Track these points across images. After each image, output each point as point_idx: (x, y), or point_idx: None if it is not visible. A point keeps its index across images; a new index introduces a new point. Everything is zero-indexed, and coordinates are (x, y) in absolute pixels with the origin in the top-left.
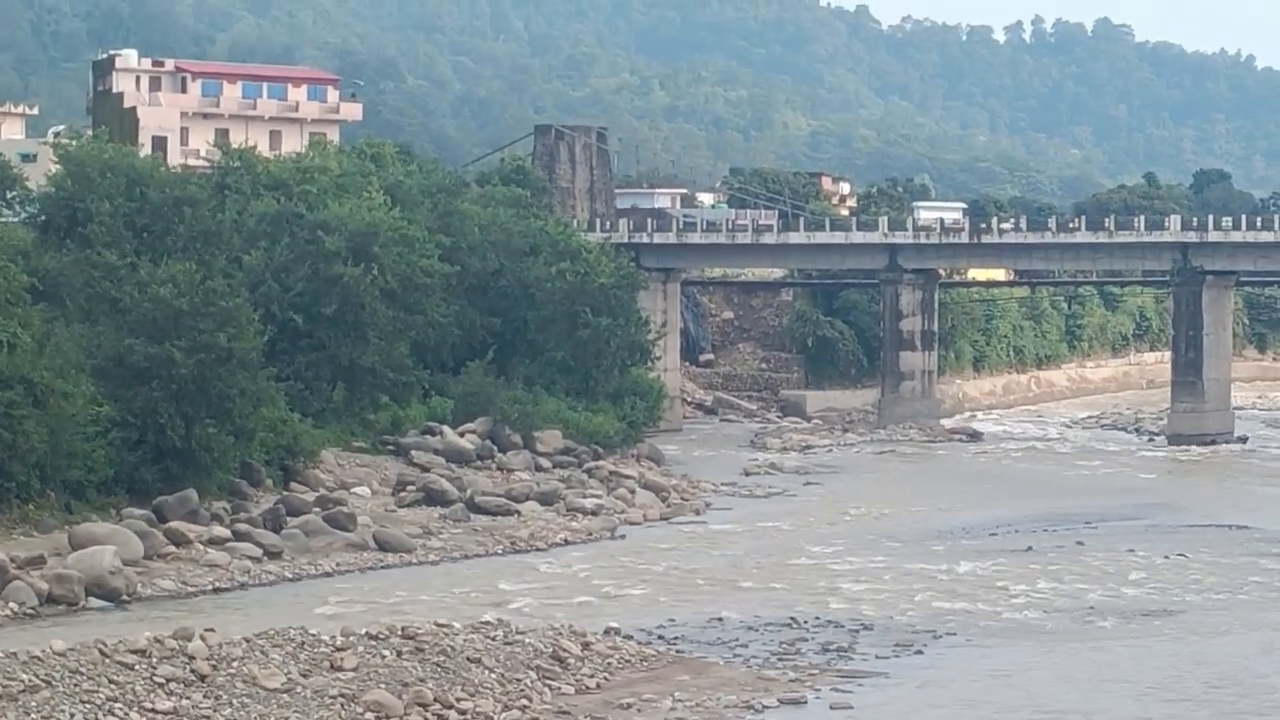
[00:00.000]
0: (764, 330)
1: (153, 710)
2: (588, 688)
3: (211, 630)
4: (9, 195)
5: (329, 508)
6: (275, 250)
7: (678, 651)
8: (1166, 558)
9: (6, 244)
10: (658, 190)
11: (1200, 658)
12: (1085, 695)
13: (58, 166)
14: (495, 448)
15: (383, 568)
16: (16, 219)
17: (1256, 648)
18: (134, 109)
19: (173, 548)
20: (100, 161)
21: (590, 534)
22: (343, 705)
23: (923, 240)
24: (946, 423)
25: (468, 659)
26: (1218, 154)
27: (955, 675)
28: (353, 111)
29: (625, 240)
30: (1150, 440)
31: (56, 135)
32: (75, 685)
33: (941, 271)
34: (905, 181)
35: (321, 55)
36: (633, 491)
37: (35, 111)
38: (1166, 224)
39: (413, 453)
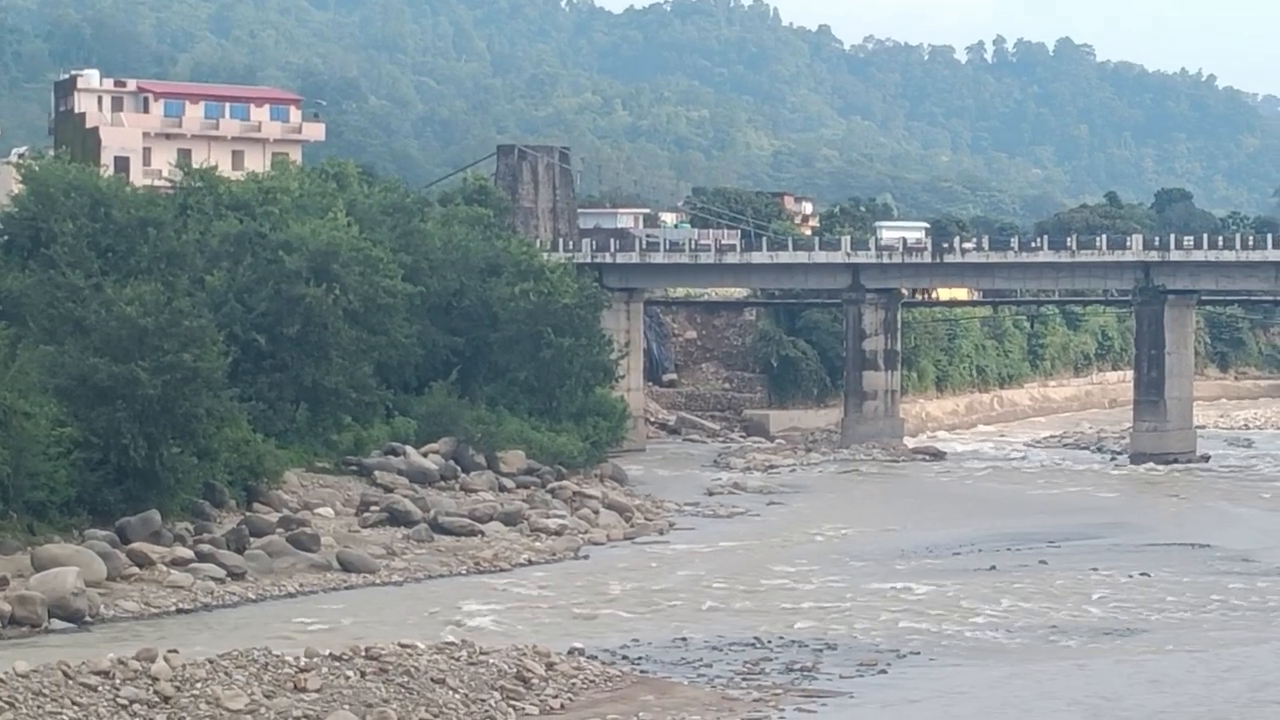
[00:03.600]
0: (727, 350)
1: None
2: (552, 708)
3: (175, 651)
4: None
5: (292, 528)
6: (238, 271)
7: (642, 672)
8: (1129, 577)
9: None
10: (620, 210)
11: (1163, 677)
12: (1048, 714)
13: (20, 186)
14: (459, 468)
15: (346, 588)
16: None
17: (1220, 666)
18: (96, 129)
19: (136, 569)
20: (64, 182)
21: (554, 554)
22: None
23: (885, 260)
24: (910, 442)
25: (432, 680)
26: (1179, 173)
27: (919, 695)
28: (315, 131)
29: (588, 260)
30: (1113, 459)
31: (20, 156)
32: (39, 707)
33: (904, 291)
34: (868, 201)
35: (284, 75)
36: (596, 512)
37: None
38: (1128, 243)
39: (376, 473)
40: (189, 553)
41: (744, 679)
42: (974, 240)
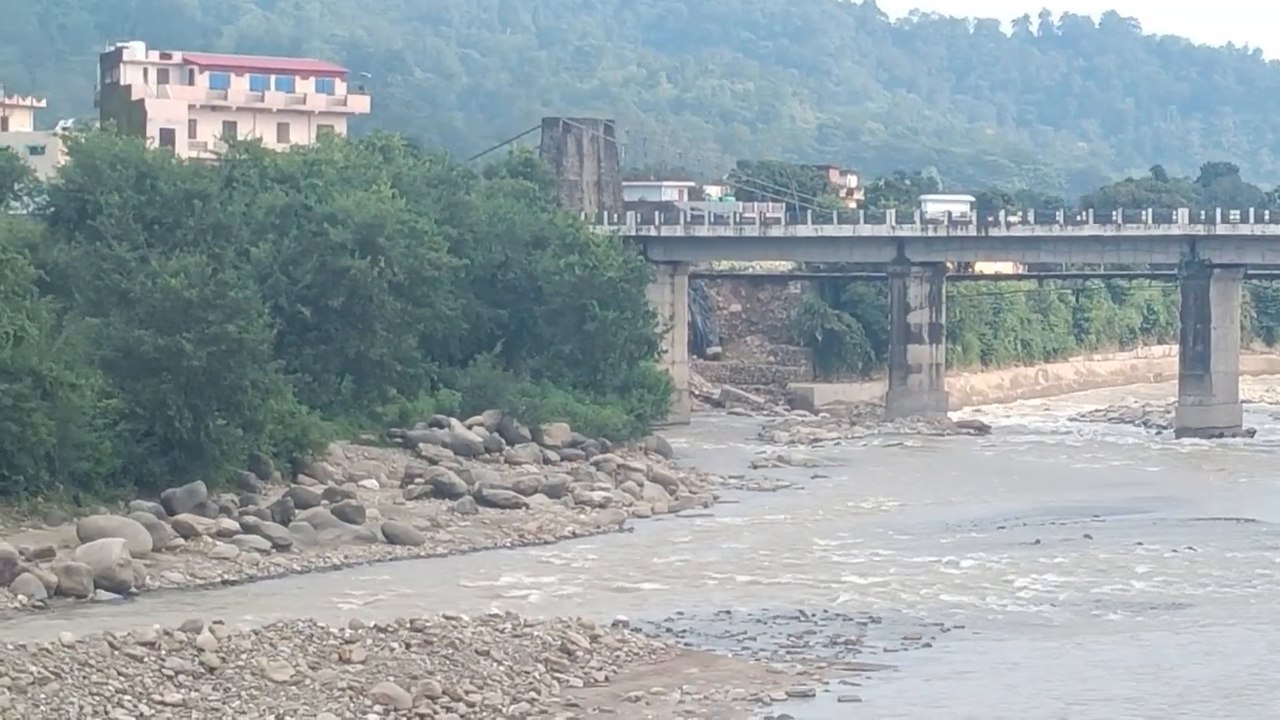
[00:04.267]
0: (771, 323)
1: (162, 702)
2: (596, 680)
3: (220, 623)
4: (17, 187)
5: (337, 500)
6: (283, 243)
7: (686, 644)
8: (1174, 551)
9: (15, 236)
10: (665, 183)
11: (1207, 651)
12: (1092, 688)
13: (66, 159)
14: (503, 440)
15: (391, 560)
16: (25, 211)
17: (1264, 641)
18: (142, 101)
19: (181, 540)
20: (110, 154)
21: (598, 527)
22: (351, 698)
23: (930, 233)
24: (954, 416)
25: (476, 652)
26: (1225, 147)
27: (963, 668)
28: (360, 104)
29: (633, 233)
30: (1158, 433)
31: (65, 128)
32: (84, 677)
33: (949, 264)
34: (912, 174)
35: (329, 48)
36: (640, 484)
37: (43, 104)
38: (1174, 217)
39: (421, 445)
40: (234, 524)
41: (788, 652)
42: (1019, 214)
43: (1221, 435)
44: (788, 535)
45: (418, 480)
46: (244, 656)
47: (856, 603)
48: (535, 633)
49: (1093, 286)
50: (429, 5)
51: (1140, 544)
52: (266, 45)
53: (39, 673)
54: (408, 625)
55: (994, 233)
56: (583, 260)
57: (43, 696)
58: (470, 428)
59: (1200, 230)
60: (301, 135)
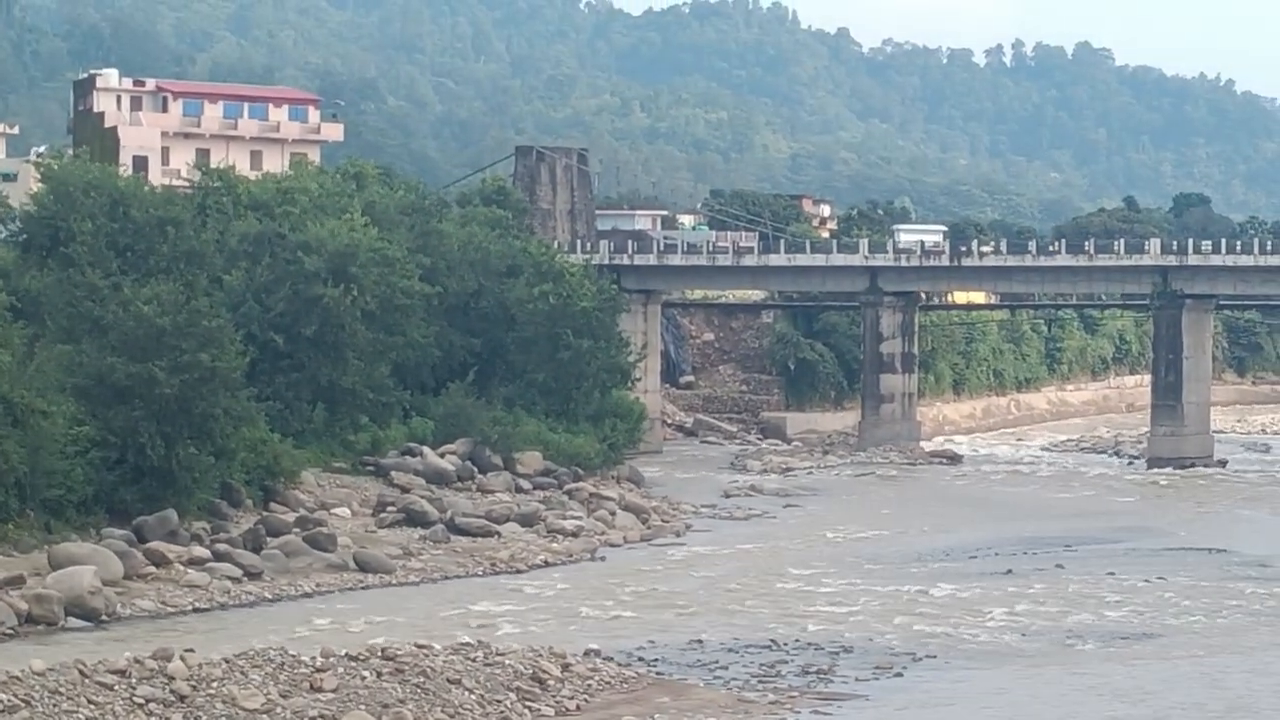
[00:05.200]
0: (744, 352)
1: None
2: (568, 709)
3: (191, 651)
4: None
5: (309, 528)
6: (256, 271)
7: (658, 673)
8: (1146, 581)
9: None
10: (638, 212)
11: (1179, 680)
12: (1065, 718)
13: (39, 186)
14: (475, 469)
15: (363, 589)
16: None
17: (1235, 671)
18: (115, 129)
19: (152, 568)
20: (83, 181)
21: (570, 555)
22: None
23: (903, 263)
24: (926, 445)
25: (448, 680)
26: (1197, 178)
27: (935, 698)
28: (334, 132)
29: (606, 262)
30: (1130, 463)
31: (38, 155)
32: (55, 706)
33: (922, 294)
34: (885, 204)
35: (302, 76)
36: (613, 513)
37: (15, 131)
38: (1146, 247)
39: (393, 473)
40: (205, 552)
41: (760, 681)
42: (992, 244)
43: (1193, 465)
44: (760, 564)
45: (390, 508)
46: (215, 685)
47: (828, 632)
48: (507, 661)
49: (1065, 316)
50: (403, 34)
51: (1112, 574)
52: (240, 73)
53: (9, 701)
54: (379, 654)
55: (967, 263)
56: (556, 289)
57: None
58: (442, 456)
59: (1172, 261)
60: (275, 163)
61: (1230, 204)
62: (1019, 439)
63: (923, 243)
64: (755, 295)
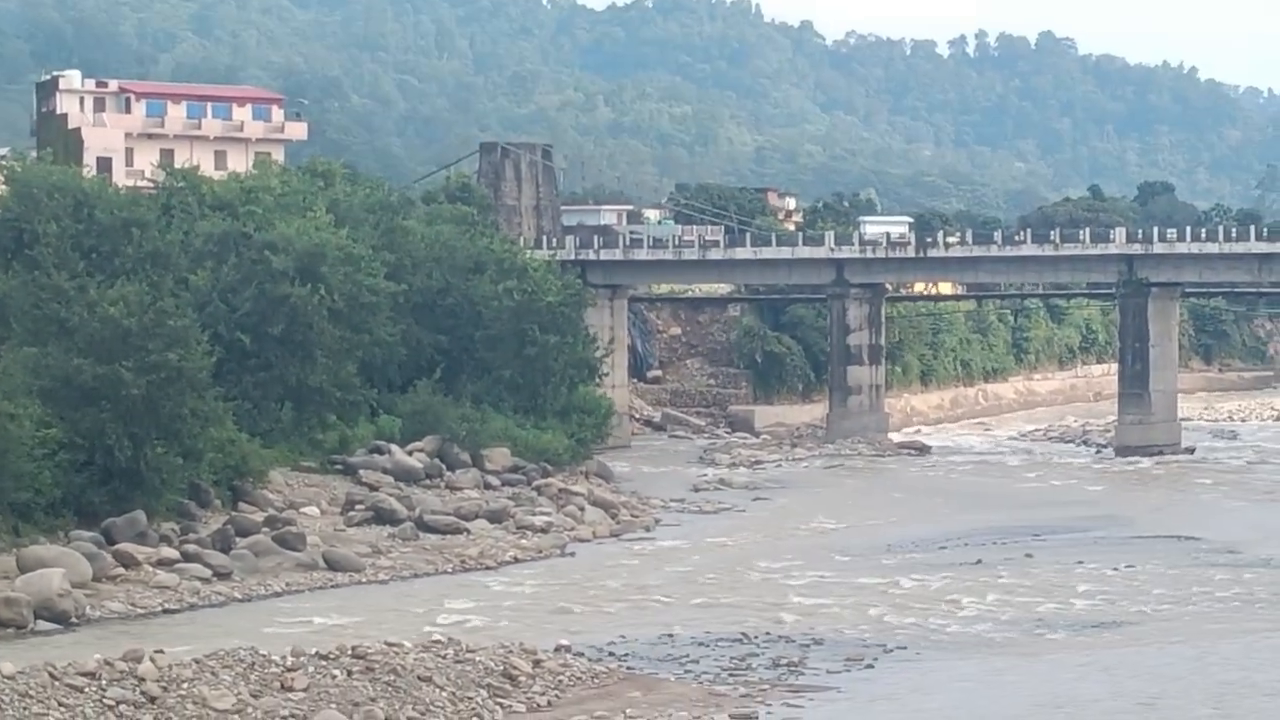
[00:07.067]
0: (711, 346)
1: None
2: (539, 705)
3: (161, 652)
4: None
5: (278, 528)
6: (222, 271)
7: (629, 668)
8: (1115, 569)
9: None
10: (603, 207)
11: (1149, 668)
12: (1036, 707)
13: (3, 188)
14: (444, 466)
15: (332, 587)
16: None
17: (1205, 658)
18: (78, 130)
19: (121, 569)
20: (47, 183)
21: (540, 552)
22: None
23: (869, 255)
24: (895, 437)
25: (418, 678)
26: (1161, 166)
27: (906, 689)
28: (298, 131)
29: (571, 257)
30: (1098, 452)
31: (2, 157)
32: (24, 709)
33: (888, 286)
34: (851, 196)
35: (265, 75)
36: (582, 509)
37: None
38: (1111, 236)
39: (361, 472)
40: (175, 553)
41: (731, 675)
42: (957, 234)
43: (1161, 453)
44: (730, 558)
45: (358, 507)
46: (185, 686)
47: (799, 624)
48: (477, 658)
49: (1031, 306)
50: (366, 32)
51: (1081, 563)
52: (203, 73)
53: None
54: (349, 652)
55: (932, 254)
56: (521, 285)
57: None
58: (411, 454)
59: (1138, 249)
60: (239, 162)
61: (1195, 192)
62: (987, 429)
63: (888, 234)
64: (722, 289)
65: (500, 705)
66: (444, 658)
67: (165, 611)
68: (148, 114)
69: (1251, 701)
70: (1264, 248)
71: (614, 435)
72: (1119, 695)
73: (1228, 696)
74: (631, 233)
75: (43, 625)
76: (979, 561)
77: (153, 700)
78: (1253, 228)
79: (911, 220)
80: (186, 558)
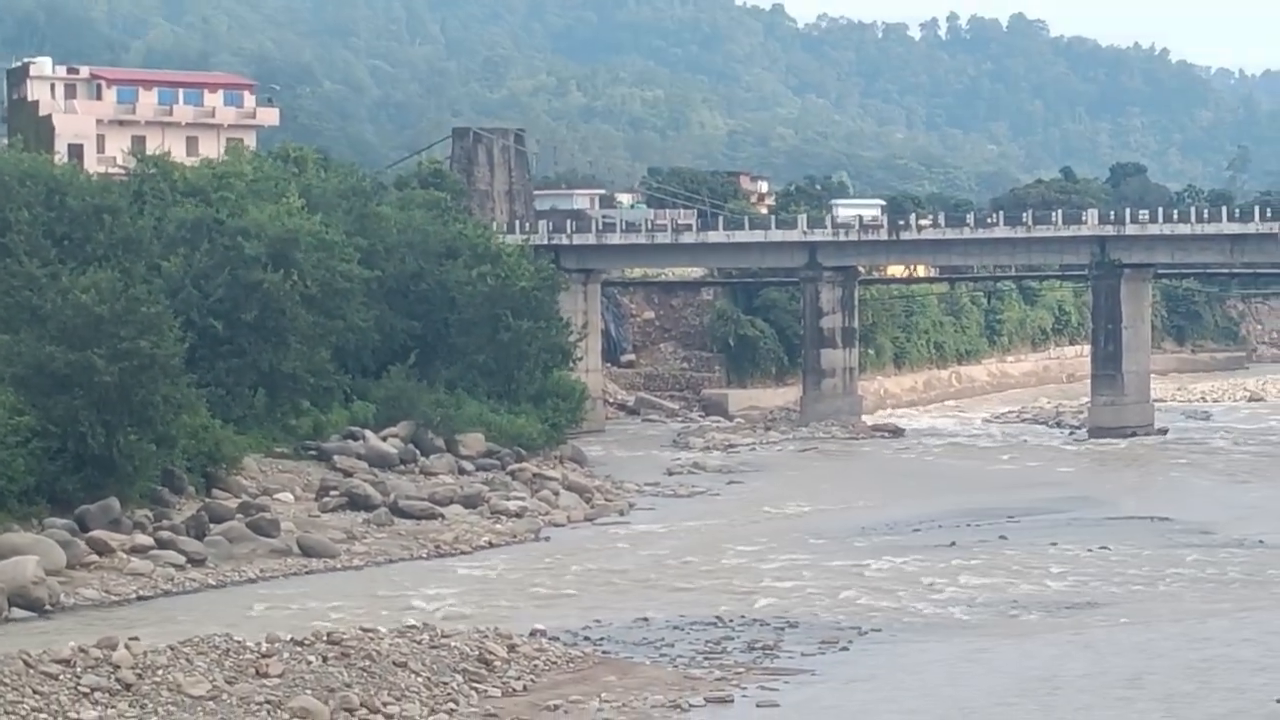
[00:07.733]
0: (685, 330)
1: None
2: (514, 690)
3: (136, 639)
4: None
5: (252, 514)
6: (194, 257)
7: (604, 652)
8: (1089, 550)
9: None
10: (576, 191)
11: (1123, 649)
12: (1010, 689)
13: None
14: (418, 451)
15: (307, 573)
16: None
17: (1179, 638)
18: (49, 117)
19: (96, 557)
20: (18, 170)
21: (514, 536)
22: (269, 712)
23: (842, 238)
24: (868, 419)
25: (394, 663)
26: (1133, 147)
27: (881, 671)
28: (270, 117)
29: (544, 242)
30: (1071, 434)
31: None
32: None
33: (861, 269)
34: (823, 179)
35: (237, 61)
36: (556, 493)
37: None
38: (1084, 218)
39: (335, 458)
40: (149, 540)
41: (706, 658)
42: (930, 217)
43: (1134, 434)
44: (704, 541)
45: (333, 493)
46: (160, 672)
47: (773, 607)
48: (453, 643)
49: (1004, 288)
50: (337, 18)
51: (1055, 544)
52: (175, 59)
53: None
54: (324, 638)
55: (905, 236)
56: (495, 270)
57: None
58: (385, 439)
59: (1110, 231)
60: (211, 149)
61: (1167, 173)
62: (960, 411)
63: (861, 217)
64: (695, 273)
65: (476, 690)
66: (419, 643)
67: (140, 598)
68: (119, 100)
69: (1238, 677)
70: (1236, 228)
71: (588, 419)
72: (1104, 672)
73: (1213, 671)
74: (604, 217)
75: (17, 613)
76: (953, 544)
77: (128, 687)
78: (1225, 209)
79: (884, 203)
80: (160, 544)
